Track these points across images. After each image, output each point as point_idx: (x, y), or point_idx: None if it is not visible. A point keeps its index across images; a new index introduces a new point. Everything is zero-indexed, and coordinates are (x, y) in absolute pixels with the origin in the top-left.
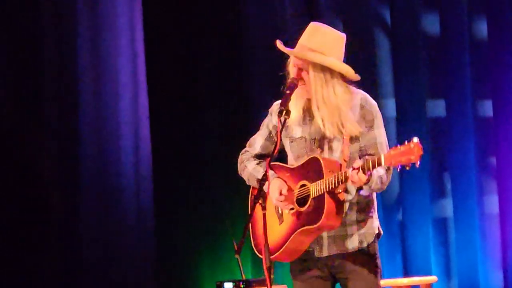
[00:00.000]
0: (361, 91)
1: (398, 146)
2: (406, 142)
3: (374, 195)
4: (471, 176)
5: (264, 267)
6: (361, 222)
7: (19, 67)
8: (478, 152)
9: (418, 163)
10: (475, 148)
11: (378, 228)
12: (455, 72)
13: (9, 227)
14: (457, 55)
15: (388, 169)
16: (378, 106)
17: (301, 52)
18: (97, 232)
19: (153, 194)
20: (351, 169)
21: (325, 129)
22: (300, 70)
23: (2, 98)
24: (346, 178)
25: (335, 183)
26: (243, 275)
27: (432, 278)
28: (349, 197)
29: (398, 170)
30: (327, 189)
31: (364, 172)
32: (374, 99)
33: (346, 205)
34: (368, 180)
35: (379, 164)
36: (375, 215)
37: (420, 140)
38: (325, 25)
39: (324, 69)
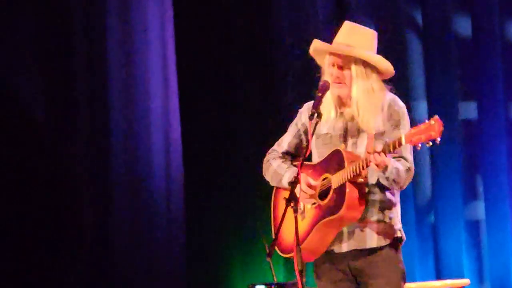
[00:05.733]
0: (390, 93)
1: (418, 124)
2: (426, 121)
3: (398, 198)
4: (503, 179)
5: (296, 270)
6: (381, 222)
7: (51, 72)
8: (511, 154)
9: (439, 139)
10: (507, 150)
11: (400, 231)
12: (487, 74)
13: (38, 232)
14: (489, 57)
15: (408, 169)
16: (410, 108)
17: (346, 49)
18: (128, 235)
19: (183, 197)
20: (373, 153)
21: (360, 122)
22: (340, 68)
23: (33, 102)
24: (367, 164)
25: (356, 170)
26: (275, 278)
27: (465, 281)
28: (371, 195)
29: (419, 148)
30: (349, 177)
31: (385, 154)
32: (406, 101)
33: (369, 200)
34: (388, 164)
35: (400, 144)
36: (397, 218)
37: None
38: (357, 24)
39: (365, 64)
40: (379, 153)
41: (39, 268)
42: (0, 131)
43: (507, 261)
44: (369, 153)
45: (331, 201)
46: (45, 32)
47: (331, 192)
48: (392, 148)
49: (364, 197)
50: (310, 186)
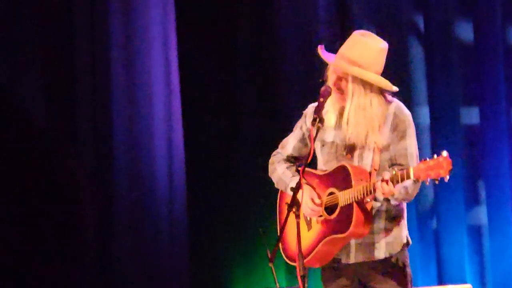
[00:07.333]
0: (395, 100)
1: (427, 159)
2: (435, 156)
3: (405, 204)
4: (505, 183)
5: (298, 275)
6: (389, 231)
7: (53, 77)
8: None
9: (448, 177)
10: (510, 155)
11: (407, 237)
12: (489, 79)
13: (40, 234)
14: (491, 62)
15: (416, 181)
16: (412, 113)
17: (343, 65)
18: (131, 242)
19: (186, 201)
20: (380, 180)
21: (350, 135)
22: (339, 78)
23: (35, 107)
24: (375, 190)
25: (363, 193)
26: (277, 284)
27: (467, 286)
28: (377, 204)
29: (427, 183)
30: (356, 199)
31: (393, 184)
32: (408, 106)
33: (374, 211)
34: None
35: (408, 177)
36: (404, 224)
37: (449, 154)
38: (368, 34)
39: (364, 82)
40: (386, 182)
41: (42, 269)
42: (1, 133)
43: (510, 266)
44: (375, 170)
45: (338, 218)
46: (47, 39)
47: (338, 209)
48: (400, 180)
49: (371, 216)
50: (315, 203)
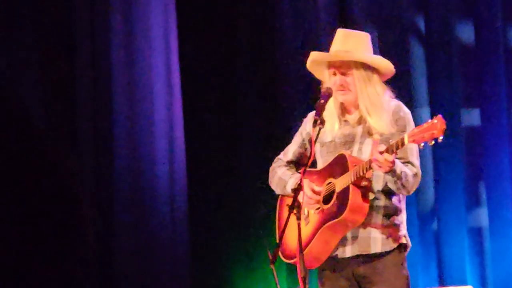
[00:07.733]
0: (395, 100)
1: (422, 124)
2: (429, 120)
3: (404, 205)
4: (506, 185)
5: (299, 277)
6: (386, 228)
7: (53, 76)
8: None
9: (441, 137)
10: (510, 156)
11: (405, 237)
12: (490, 80)
13: (41, 234)
14: (492, 63)
15: (415, 175)
16: (413, 114)
17: (345, 55)
18: (131, 241)
19: (187, 202)
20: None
21: (374, 124)
22: (343, 74)
23: (35, 107)
24: (371, 166)
25: (360, 173)
26: (278, 285)
27: None
28: (371, 196)
29: (422, 147)
30: (352, 180)
31: (389, 153)
32: (409, 107)
33: (373, 205)
34: (392, 164)
35: (403, 143)
36: (402, 224)
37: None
38: (349, 29)
39: (366, 67)
40: (381, 153)
41: (42, 269)
42: (1, 132)
43: (510, 268)
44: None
45: (334, 205)
46: (48, 41)
47: (334, 196)
48: (395, 148)
49: (367, 200)
50: (314, 191)
